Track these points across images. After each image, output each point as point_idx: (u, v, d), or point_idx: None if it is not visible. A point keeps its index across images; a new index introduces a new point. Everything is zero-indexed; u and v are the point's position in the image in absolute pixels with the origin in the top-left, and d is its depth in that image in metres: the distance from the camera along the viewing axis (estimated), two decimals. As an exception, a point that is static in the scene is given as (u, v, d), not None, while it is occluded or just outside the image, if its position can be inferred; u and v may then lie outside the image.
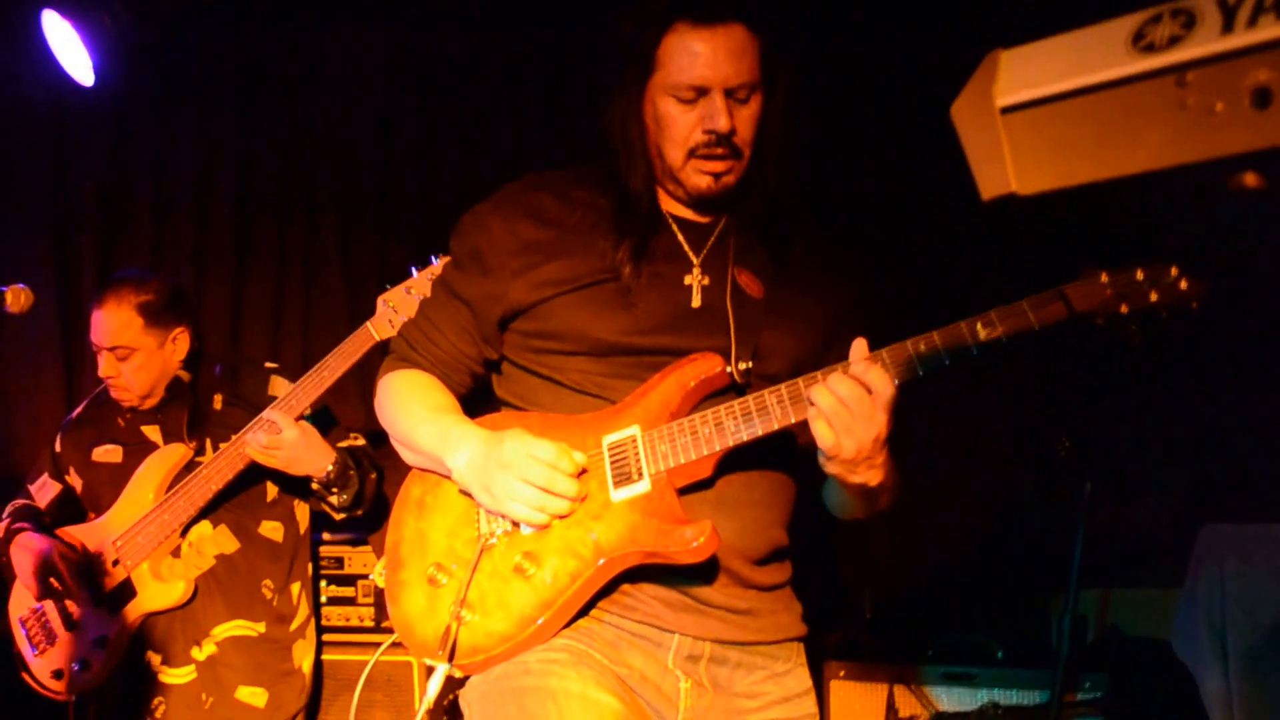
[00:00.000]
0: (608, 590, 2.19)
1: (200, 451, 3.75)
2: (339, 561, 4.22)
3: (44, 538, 3.68)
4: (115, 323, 3.66)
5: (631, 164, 2.31)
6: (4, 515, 3.87)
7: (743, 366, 2.21)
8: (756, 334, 2.25)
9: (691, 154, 2.24)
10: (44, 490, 3.88)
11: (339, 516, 3.74)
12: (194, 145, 4.90)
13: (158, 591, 3.67)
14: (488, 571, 2.19)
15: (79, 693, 3.68)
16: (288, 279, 4.89)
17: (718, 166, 2.24)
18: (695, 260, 2.32)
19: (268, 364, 3.97)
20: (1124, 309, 1.97)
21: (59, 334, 4.79)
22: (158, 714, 3.66)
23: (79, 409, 3.96)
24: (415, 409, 2.36)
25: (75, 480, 3.87)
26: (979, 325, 2.01)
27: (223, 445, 3.67)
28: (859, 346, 2.06)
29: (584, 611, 2.19)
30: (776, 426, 2.09)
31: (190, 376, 3.84)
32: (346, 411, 4.01)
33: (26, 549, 3.67)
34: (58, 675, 3.69)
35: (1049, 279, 2.02)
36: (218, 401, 3.83)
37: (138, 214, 4.87)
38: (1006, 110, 1.27)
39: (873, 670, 3.87)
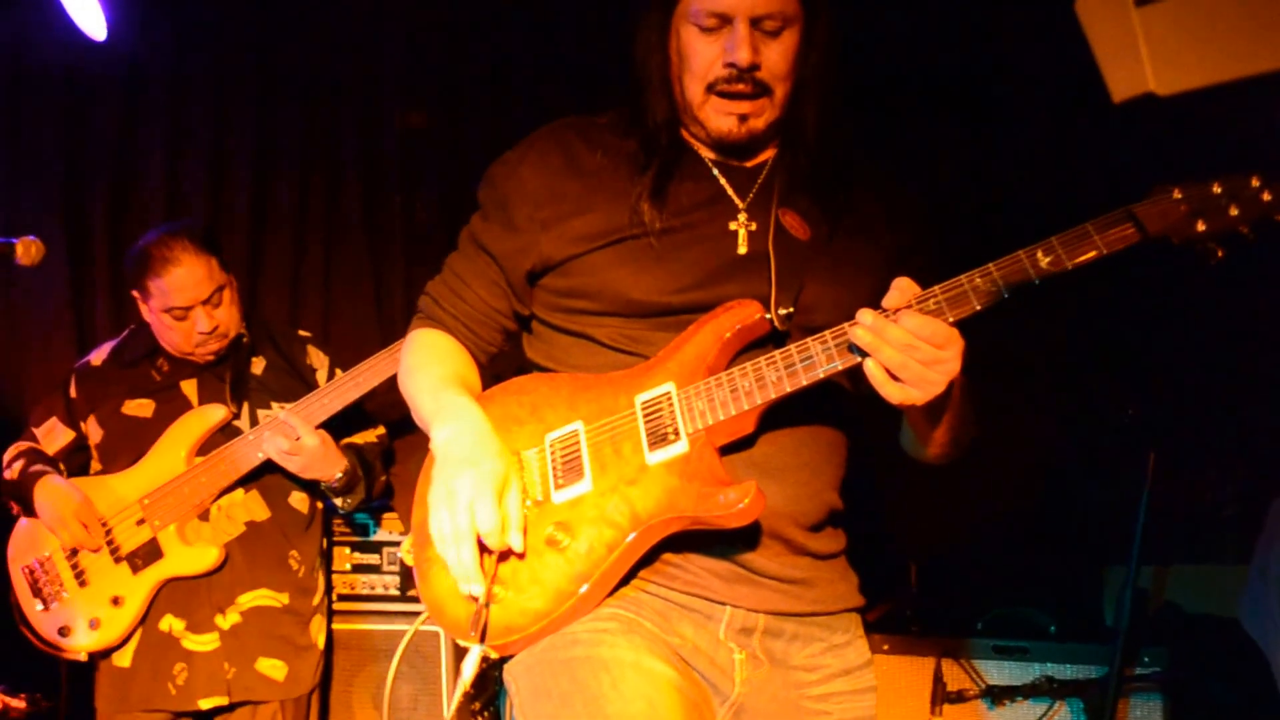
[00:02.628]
0: (650, 559, 2.04)
1: (238, 415, 3.64)
2: (365, 528, 4.09)
3: (72, 484, 3.58)
4: (202, 271, 3.54)
5: (651, 100, 2.18)
6: (10, 458, 3.73)
7: (783, 312, 2.07)
8: (800, 278, 2.11)
9: (711, 89, 2.11)
10: (53, 435, 3.74)
11: (343, 511, 3.75)
12: (210, 102, 4.74)
13: (187, 556, 3.56)
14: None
15: (90, 652, 3.57)
16: (308, 240, 4.74)
17: (741, 107, 2.10)
18: (741, 205, 2.17)
19: (300, 332, 3.91)
20: (1201, 227, 1.83)
21: (69, 287, 4.65)
22: (179, 680, 3.54)
23: (101, 356, 3.80)
24: (423, 377, 2.24)
25: (93, 430, 3.72)
26: (1039, 253, 1.87)
27: (265, 415, 3.61)
28: (903, 285, 1.93)
29: (625, 581, 2.04)
30: (822, 375, 1.96)
31: (247, 332, 3.75)
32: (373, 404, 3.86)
33: (55, 493, 3.56)
34: (63, 632, 3.57)
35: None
36: (256, 365, 3.74)
37: (151, 171, 4.72)
38: (1142, 1, 1.10)
39: (919, 644, 3.73)
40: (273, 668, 3.62)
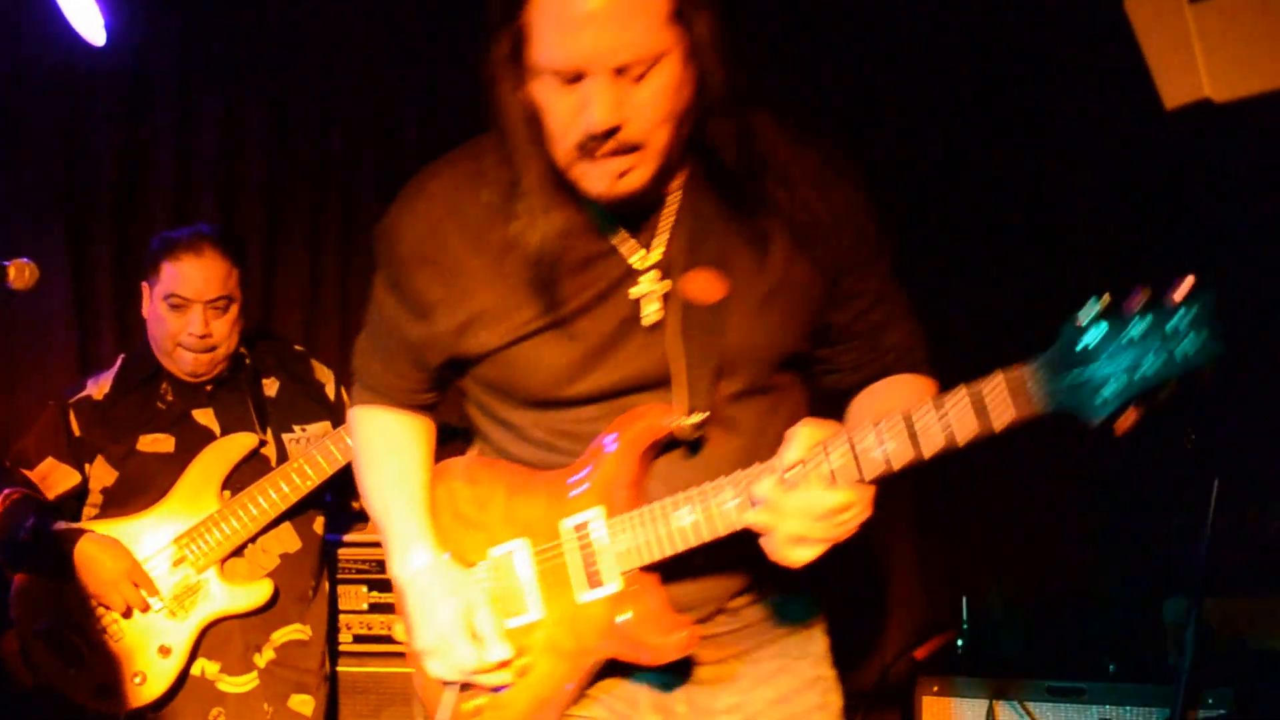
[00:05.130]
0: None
1: (264, 444, 3.49)
2: (379, 565, 3.84)
3: (112, 539, 3.35)
4: (219, 272, 3.41)
5: (520, 162, 1.87)
6: (3, 512, 3.40)
7: (691, 421, 1.92)
8: (713, 358, 1.92)
9: (580, 150, 1.78)
10: (53, 479, 3.44)
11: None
12: (219, 109, 4.57)
13: (237, 594, 3.41)
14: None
15: (134, 707, 3.37)
16: (323, 254, 4.57)
17: (612, 166, 1.78)
18: (641, 267, 1.93)
19: (296, 347, 3.74)
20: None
21: (72, 309, 4.44)
22: None
23: (101, 389, 3.54)
24: (374, 484, 2.22)
25: (102, 472, 3.47)
26: (929, 417, 1.72)
27: (290, 440, 3.50)
28: (799, 436, 1.80)
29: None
30: (736, 529, 1.86)
31: (249, 353, 3.57)
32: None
33: (102, 552, 3.31)
34: (103, 691, 3.35)
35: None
36: (269, 386, 3.57)
37: (158, 183, 4.55)
38: (1197, -1, 0.95)
39: (970, 685, 3.55)
40: (303, 703, 3.52)
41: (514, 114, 1.83)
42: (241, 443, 3.46)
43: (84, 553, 3.30)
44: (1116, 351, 1.59)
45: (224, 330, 3.44)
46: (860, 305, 2.04)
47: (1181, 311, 1.56)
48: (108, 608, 3.35)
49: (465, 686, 2.07)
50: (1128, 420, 1.61)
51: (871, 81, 4.23)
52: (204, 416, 3.51)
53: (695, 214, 1.93)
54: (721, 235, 1.92)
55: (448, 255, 1.96)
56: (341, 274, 4.58)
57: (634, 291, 1.93)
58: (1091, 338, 1.62)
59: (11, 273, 2.71)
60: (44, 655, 3.40)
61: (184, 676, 3.41)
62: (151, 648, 3.38)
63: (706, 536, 1.89)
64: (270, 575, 3.47)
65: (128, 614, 3.36)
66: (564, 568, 2.00)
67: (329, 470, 3.42)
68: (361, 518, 3.75)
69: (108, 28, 4.04)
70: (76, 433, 3.50)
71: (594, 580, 1.98)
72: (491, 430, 2.13)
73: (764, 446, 1.91)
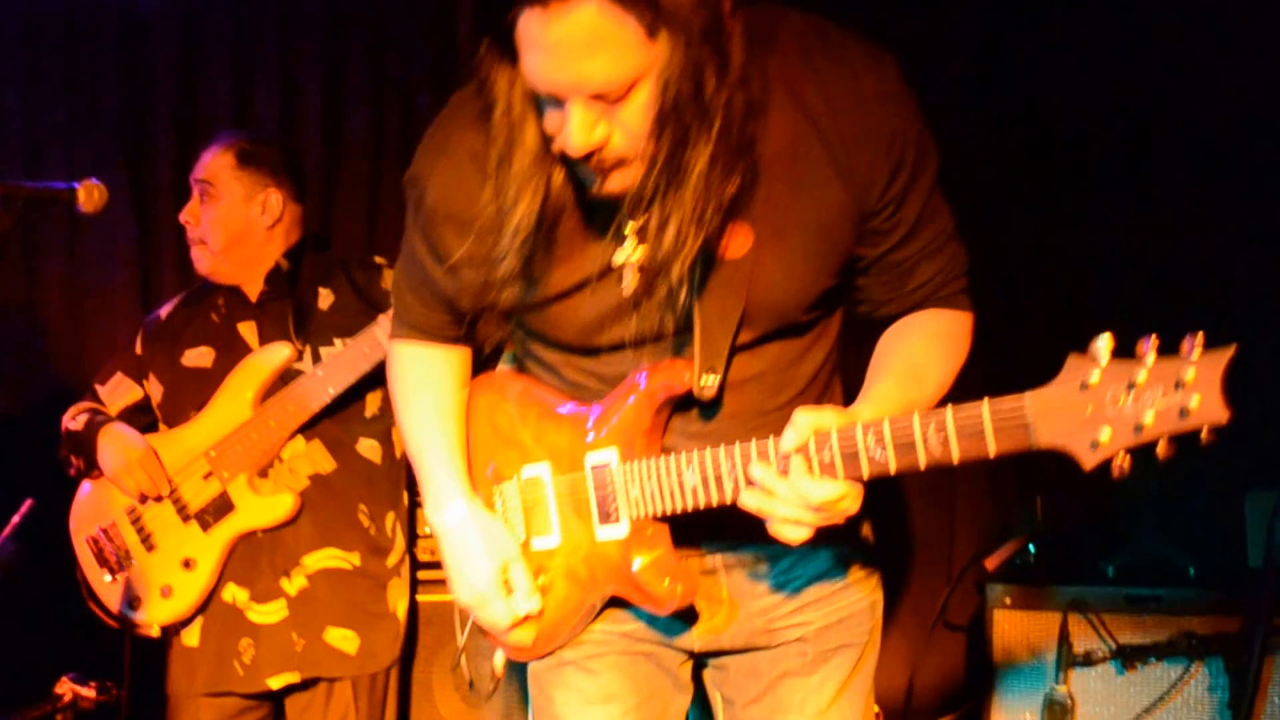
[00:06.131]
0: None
1: (301, 356, 3.43)
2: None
3: (137, 432, 3.42)
4: (210, 155, 3.49)
5: (515, 145, 1.84)
6: (73, 414, 3.57)
7: (707, 382, 1.95)
8: (733, 316, 1.93)
9: (563, 157, 1.80)
10: (118, 393, 3.59)
11: None
12: (275, 36, 4.50)
13: (260, 506, 3.37)
14: None
15: (164, 625, 3.42)
16: (383, 165, 4.49)
17: (597, 175, 1.80)
18: (627, 232, 1.91)
19: (376, 259, 3.62)
20: (1104, 437, 1.58)
21: (134, 236, 4.48)
22: (246, 658, 3.36)
23: (168, 308, 3.65)
24: (411, 425, 2.28)
25: (154, 387, 3.55)
26: (933, 428, 1.70)
27: (336, 346, 3.40)
28: (800, 424, 1.79)
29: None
30: (729, 502, 1.91)
31: (290, 265, 3.52)
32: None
33: (120, 439, 3.40)
34: (134, 603, 3.41)
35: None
36: (324, 298, 3.50)
37: (217, 108, 4.51)
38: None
39: (1042, 596, 3.46)
40: (344, 639, 3.37)
41: (501, 111, 1.82)
42: (276, 353, 3.40)
43: (105, 440, 3.41)
44: (1120, 394, 1.55)
45: (211, 223, 3.46)
46: (890, 241, 1.98)
47: (1196, 364, 1.51)
48: (136, 514, 3.45)
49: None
50: (1122, 468, 1.58)
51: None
52: (247, 331, 3.48)
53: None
54: (741, 192, 1.85)
55: (474, 207, 1.95)
56: (400, 182, 4.48)
57: (619, 255, 1.94)
58: (1096, 374, 1.57)
59: (81, 195, 2.64)
60: (90, 563, 3.53)
61: (211, 597, 3.40)
62: (177, 559, 3.40)
63: (705, 502, 1.93)
64: (300, 496, 3.39)
65: (138, 518, 3.44)
66: (585, 502, 2.08)
67: (351, 377, 3.35)
68: None
69: None
70: (139, 350, 3.62)
71: (607, 518, 2.05)
72: (528, 361, 2.20)
73: (787, 387, 2.03)
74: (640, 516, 2.01)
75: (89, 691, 3.30)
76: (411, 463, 2.29)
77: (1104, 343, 1.57)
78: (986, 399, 1.65)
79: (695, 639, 2.16)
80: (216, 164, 3.46)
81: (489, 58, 1.79)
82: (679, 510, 1.97)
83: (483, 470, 2.23)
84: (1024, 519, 3.80)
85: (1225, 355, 1.50)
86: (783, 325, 1.99)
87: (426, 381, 2.26)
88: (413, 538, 3.70)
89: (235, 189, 3.45)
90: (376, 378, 3.32)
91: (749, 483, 1.85)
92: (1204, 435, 1.52)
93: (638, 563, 2.03)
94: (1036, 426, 1.61)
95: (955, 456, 1.68)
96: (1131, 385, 1.54)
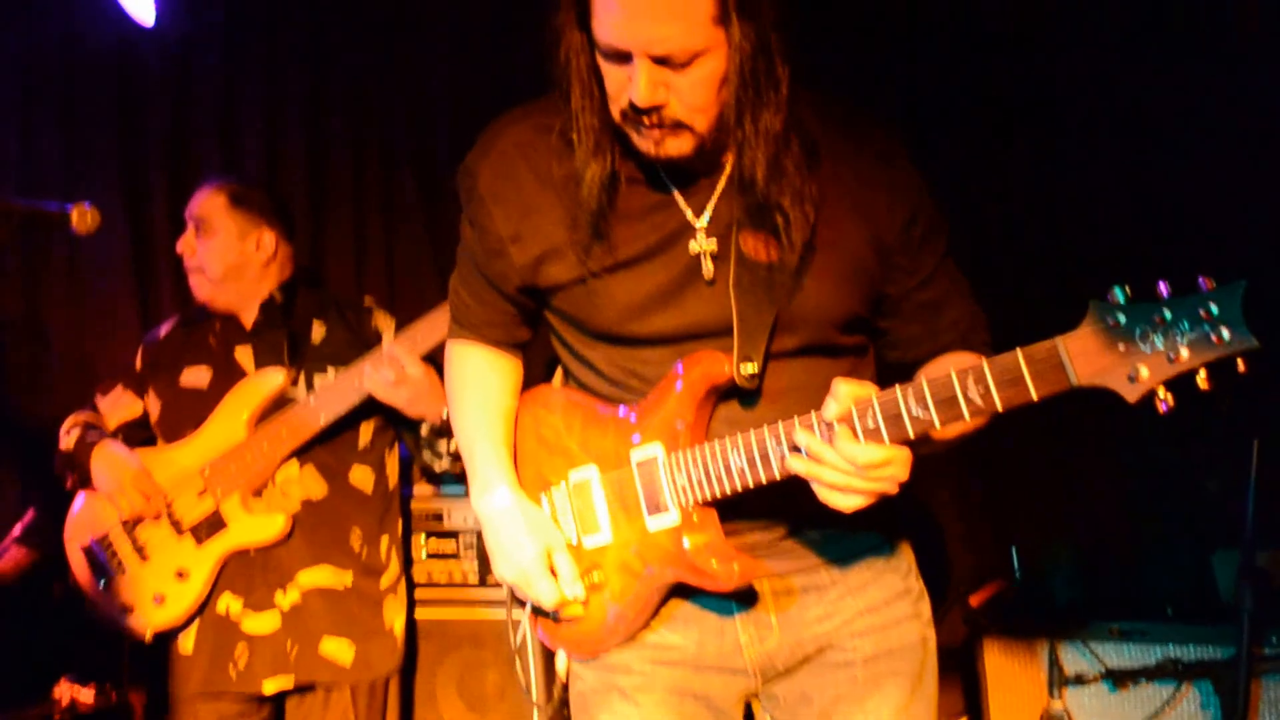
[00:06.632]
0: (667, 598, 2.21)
1: (295, 382, 3.49)
2: (439, 516, 3.90)
3: (130, 450, 3.45)
4: (204, 195, 3.58)
5: (580, 115, 2.01)
6: (68, 427, 3.61)
7: (748, 371, 2.02)
8: (769, 314, 2.02)
9: (624, 116, 1.95)
10: (119, 406, 3.63)
11: (442, 466, 3.50)
12: (262, 87, 4.64)
13: (252, 525, 3.41)
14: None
15: (156, 631, 3.42)
16: (367, 217, 4.61)
17: (654, 136, 1.94)
18: (697, 223, 2.06)
19: (366, 300, 3.73)
20: (1144, 373, 1.64)
21: (130, 258, 4.58)
22: (240, 663, 3.37)
23: (167, 328, 3.71)
24: (463, 415, 2.33)
25: (152, 403, 3.61)
26: (971, 380, 1.77)
27: (329, 375, 3.46)
28: (841, 394, 1.86)
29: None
30: (778, 477, 1.96)
31: (283, 298, 3.60)
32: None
33: (113, 459, 3.43)
34: (126, 610, 3.42)
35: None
36: (317, 331, 3.57)
37: (206, 150, 4.63)
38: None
39: (1030, 627, 3.53)
40: (339, 647, 3.42)
41: (574, 70, 1.97)
42: (270, 378, 3.47)
43: (98, 459, 3.47)
44: (1149, 331, 1.61)
45: (207, 254, 3.53)
46: (913, 281, 2.11)
47: (1215, 297, 1.58)
48: (131, 523, 3.47)
49: (538, 611, 2.25)
50: (1166, 403, 1.62)
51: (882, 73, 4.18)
52: (243, 355, 3.54)
53: (746, 183, 2.00)
54: (771, 206, 1.99)
55: (521, 193, 2.11)
56: (386, 236, 4.62)
57: (692, 246, 2.04)
58: (1122, 315, 1.63)
59: (74, 216, 2.74)
60: (84, 571, 3.55)
61: (203, 607, 3.43)
62: (170, 570, 3.43)
63: (752, 480, 1.97)
64: (292, 519, 3.45)
65: (133, 529, 3.47)
66: (633, 496, 2.11)
67: (341, 407, 3.42)
68: (428, 474, 3.79)
69: (156, 8, 4.23)
70: (139, 367, 3.67)
71: (656, 509, 2.09)
72: (570, 362, 2.25)
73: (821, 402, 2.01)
74: (689, 504, 2.04)
75: (87, 694, 3.29)
76: (462, 453, 2.33)
77: (1122, 287, 1.65)
78: (1019, 348, 1.72)
79: (748, 661, 2.17)
80: (211, 203, 3.55)
81: (565, 24, 1.94)
82: (727, 493, 2.00)
83: (531, 481, 2.26)
84: (1004, 565, 3.88)
85: (1238, 288, 1.57)
86: (819, 340, 2.07)
87: (480, 379, 2.32)
88: (408, 562, 3.79)
89: (230, 226, 3.54)
90: (369, 409, 3.43)
91: (795, 450, 1.88)
92: (1240, 365, 1.58)
93: (687, 542, 2.05)
94: (1074, 366, 1.66)
95: (999, 404, 1.73)
96: (1159, 322, 1.60)
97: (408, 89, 4.60)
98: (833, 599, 2.15)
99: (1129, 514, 4.02)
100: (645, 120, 1.90)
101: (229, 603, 3.43)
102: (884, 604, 2.18)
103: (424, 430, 3.43)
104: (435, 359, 3.33)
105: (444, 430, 3.39)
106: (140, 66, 4.61)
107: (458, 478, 3.58)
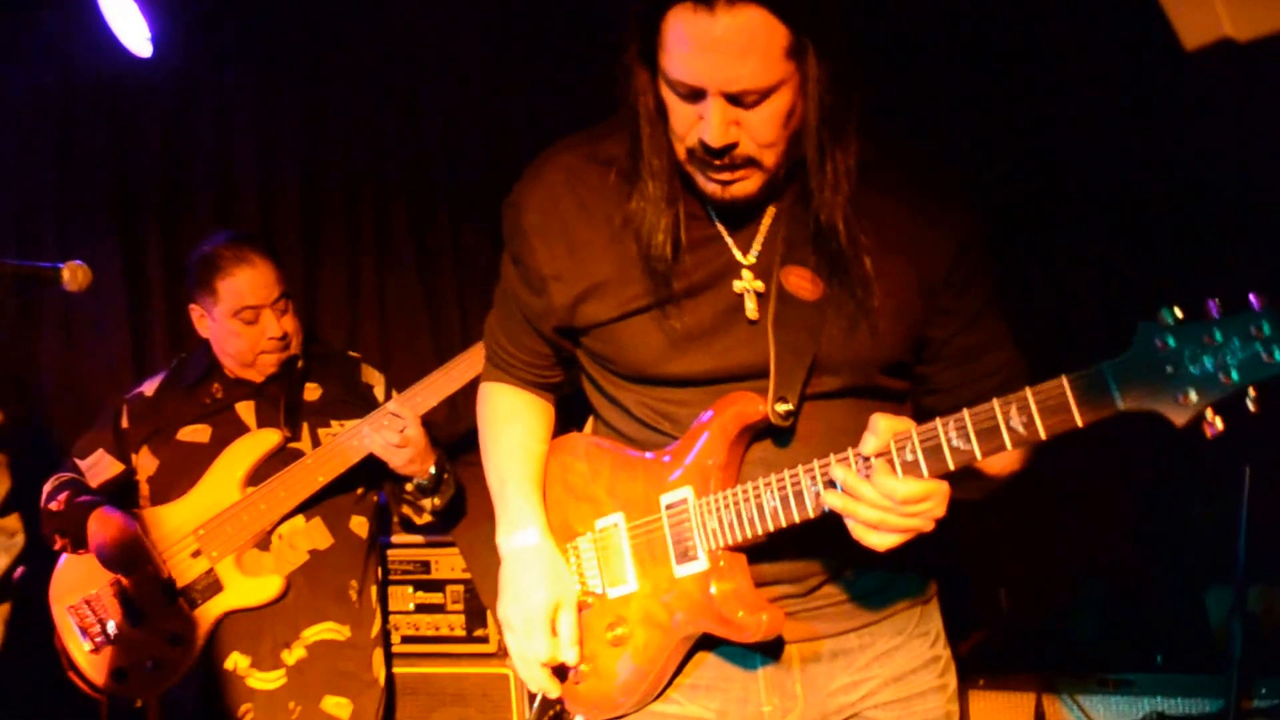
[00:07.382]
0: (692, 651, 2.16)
1: (296, 438, 3.50)
2: (425, 565, 3.90)
3: (126, 514, 3.43)
4: (272, 274, 3.51)
5: (644, 148, 1.98)
6: (51, 489, 3.57)
7: (782, 409, 1.97)
8: (807, 354, 1.98)
9: (691, 155, 1.91)
10: (99, 468, 3.58)
11: (423, 520, 3.54)
12: (256, 121, 4.66)
13: (247, 587, 3.42)
14: (593, 630, 2.19)
15: (148, 695, 3.44)
16: (360, 264, 4.63)
17: (723, 177, 1.91)
18: (744, 261, 2.03)
19: (351, 353, 3.77)
20: (1192, 397, 1.58)
21: (126, 310, 4.60)
22: None
23: (153, 386, 3.66)
24: (493, 452, 2.32)
25: (145, 461, 3.57)
26: (1014, 410, 1.70)
27: (327, 434, 3.48)
28: (880, 429, 1.81)
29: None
30: (813, 515, 1.90)
31: (302, 357, 3.62)
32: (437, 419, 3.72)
33: (111, 523, 3.39)
34: (119, 675, 3.40)
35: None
36: (311, 390, 3.60)
37: (200, 192, 4.66)
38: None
39: (1016, 678, 3.49)
40: (338, 706, 3.48)
41: (643, 107, 1.94)
42: (265, 439, 3.48)
43: (95, 523, 3.40)
44: (1198, 352, 1.56)
45: (293, 324, 3.55)
46: (957, 324, 2.06)
47: (1267, 315, 1.53)
48: (122, 586, 3.44)
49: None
50: (1214, 426, 1.57)
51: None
52: (244, 410, 3.55)
53: (793, 223, 2.00)
54: (817, 243, 1.98)
55: (567, 229, 2.07)
56: (378, 281, 4.63)
57: (737, 285, 2.01)
58: (1171, 337, 1.59)
59: (66, 275, 2.75)
60: (70, 633, 3.50)
61: (200, 668, 3.44)
62: (164, 634, 3.42)
63: (785, 520, 1.92)
64: (298, 571, 3.48)
65: (123, 591, 3.44)
66: (661, 543, 2.07)
67: (340, 467, 3.44)
68: (407, 525, 3.78)
69: (152, 40, 4.17)
70: (124, 425, 3.61)
71: (684, 557, 2.04)
72: (601, 405, 2.23)
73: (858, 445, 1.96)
74: (718, 548, 1.99)
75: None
76: (491, 492, 2.29)
77: (1170, 308, 1.60)
78: (1064, 374, 1.66)
79: None
80: (280, 278, 3.54)
81: (632, 60, 1.91)
82: (759, 535, 1.95)
83: (558, 529, 2.23)
84: (991, 609, 3.87)
85: None
86: (861, 383, 2.03)
87: (513, 419, 2.31)
88: (386, 614, 3.81)
89: (290, 294, 3.59)
90: (362, 464, 3.45)
91: (830, 485, 1.84)
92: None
93: (714, 588, 2.00)
94: (1120, 392, 1.61)
95: (1043, 433, 1.67)
96: (1208, 342, 1.55)
97: (404, 133, 4.63)
98: (860, 665, 2.11)
99: (1121, 550, 4.00)
100: (716, 161, 1.87)
101: (236, 660, 3.46)
102: (910, 673, 2.13)
103: (410, 487, 3.45)
104: (427, 419, 3.41)
105: (429, 488, 3.42)
106: (133, 111, 4.64)
107: (431, 526, 3.64)
